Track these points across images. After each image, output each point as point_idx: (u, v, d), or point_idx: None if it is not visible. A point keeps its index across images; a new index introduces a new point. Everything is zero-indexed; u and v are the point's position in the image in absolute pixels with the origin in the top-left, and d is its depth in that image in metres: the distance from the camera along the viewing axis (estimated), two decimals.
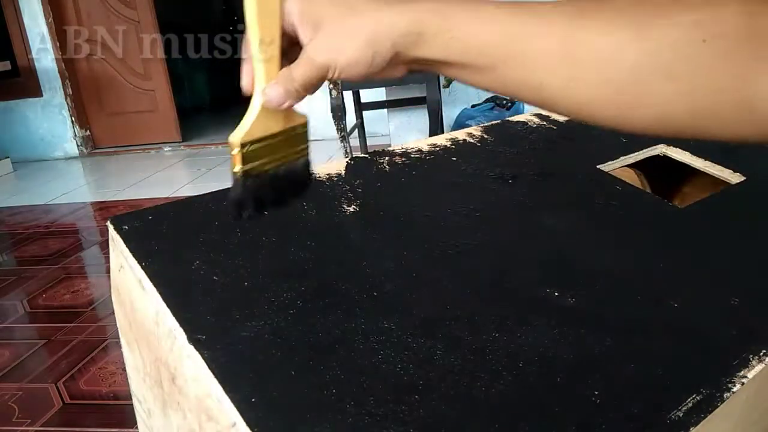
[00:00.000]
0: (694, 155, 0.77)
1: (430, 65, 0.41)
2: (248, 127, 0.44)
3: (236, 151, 0.43)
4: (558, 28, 0.36)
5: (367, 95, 3.33)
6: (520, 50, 0.37)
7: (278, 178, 0.45)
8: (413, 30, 0.38)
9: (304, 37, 0.41)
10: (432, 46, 0.39)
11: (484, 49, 0.38)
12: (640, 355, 0.41)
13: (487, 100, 3.85)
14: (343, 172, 0.68)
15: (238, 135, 0.43)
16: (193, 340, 0.41)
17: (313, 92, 0.44)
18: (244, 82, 0.44)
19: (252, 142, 0.44)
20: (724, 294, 0.48)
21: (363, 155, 0.73)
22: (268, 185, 0.45)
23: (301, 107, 0.47)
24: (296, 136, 0.48)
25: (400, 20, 0.39)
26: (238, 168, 0.43)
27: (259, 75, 0.43)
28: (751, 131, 0.34)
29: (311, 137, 0.49)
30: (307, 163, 0.48)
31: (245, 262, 0.51)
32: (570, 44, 0.36)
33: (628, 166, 0.78)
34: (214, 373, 0.38)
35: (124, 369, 1.15)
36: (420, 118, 3.17)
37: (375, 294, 0.47)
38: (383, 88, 3.11)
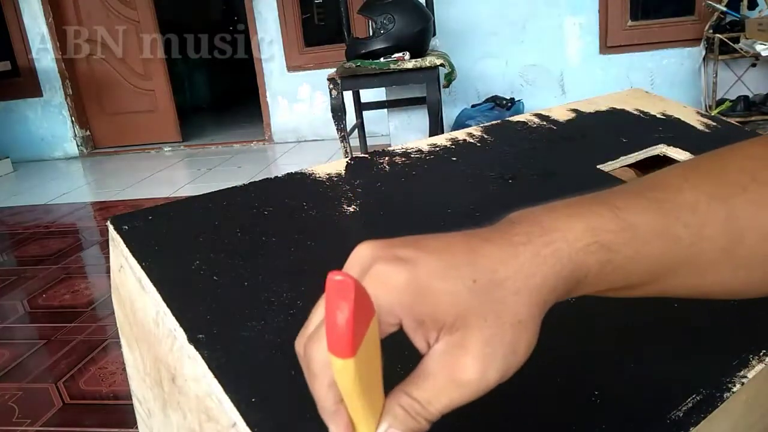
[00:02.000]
0: (694, 155, 0.77)
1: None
2: None
3: None
4: (717, 220, 0.31)
5: (367, 95, 3.34)
6: (685, 259, 0.31)
7: None
8: (572, 282, 0.30)
9: (419, 342, 0.29)
10: (591, 287, 0.31)
11: (648, 268, 0.31)
12: (640, 355, 0.41)
13: (487, 100, 3.85)
14: (343, 172, 0.68)
15: None
16: (193, 340, 0.41)
17: None
18: None
19: None
20: None
21: (363, 155, 0.73)
22: None
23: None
24: None
25: (561, 276, 0.29)
26: None
27: (363, 421, 0.29)
28: None
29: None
30: None
31: (245, 262, 0.50)
32: (733, 236, 0.31)
33: (628, 166, 0.78)
34: (214, 373, 0.38)
35: (124, 369, 1.15)
36: (420, 118, 3.17)
37: None
38: (383, 88, 3.11)
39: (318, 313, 0.29)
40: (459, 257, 0.28)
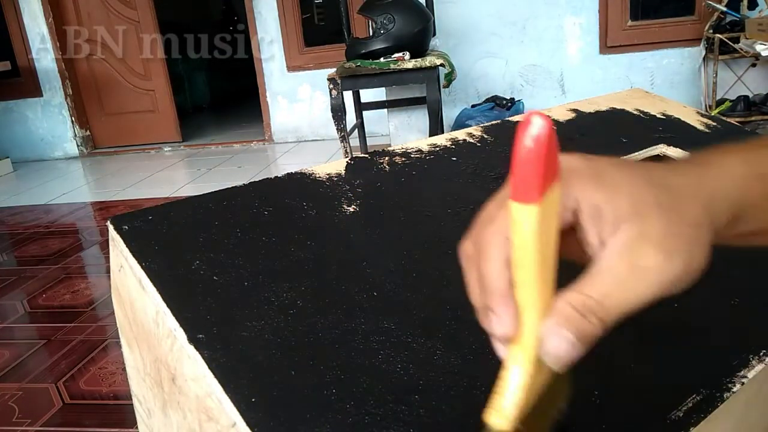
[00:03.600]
0: None
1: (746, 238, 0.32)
2: (514, 406, 0.27)
3: None
4: None
5: (367, 95, 3.34)
6: None
7: None
8: (737, 207, 0.29)
9: (594, 235, 0.26)
10: (751, 221, 0.30)
11: None
12: (640, 355, 0.41)
13: (487, 100, 3.85)
14: (343, 172, 0.68)
15: (498, 419, 0.27)
16: (193, 340, 0.41)
17: None
18: (506, 328, 0.26)
19: (521, 420, 0.27)
20: (724, 294, 0.48)
21: (363, 155, 0.73)
22: None
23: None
24: (557, 381, 0.29)
25: (729, 197, 0.29)
26: None
27: (532, 314, 0.26)
28: None
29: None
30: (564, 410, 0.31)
31: (245, 262, 0.50)
32: None
33: None
34: (214, 373, 0.38)
35: (124, 369, 1.15)
36: (420, 118, 3.18)
37: (375, 294, 0.47)
38: (383, 88, 3.11)
39: (487, 211, 0.29)
40: (636, 167, 0.28)
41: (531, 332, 0.26)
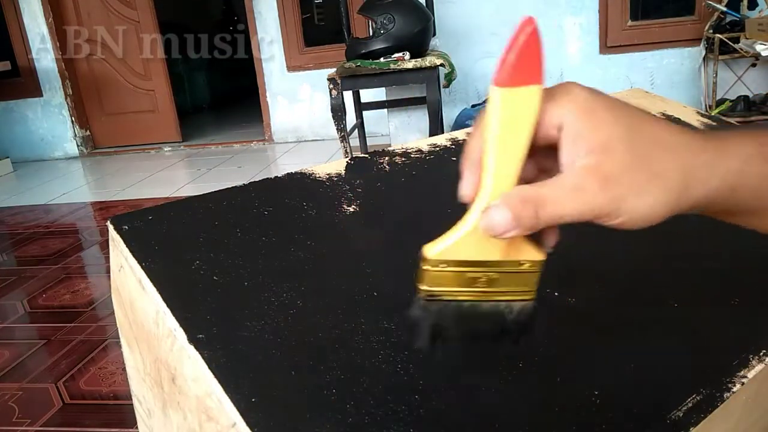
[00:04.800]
0: None
1: (709, 211, 0.33)
2: (449, 245, 0.32)
3: (425, 267, 0.33)
4: None
5: (367, 95, 3.34)
6: None
7: (477, 316, 0.34)
8: (728, 184, 0.31)
9: (567, 155, 0.30)
10: (742, 199, 0.31)
11: None
12: (640, 355, 0.41)
13: (487, 100, 3.85)
14: (343, 172, 0.68)
15: (432, 250, 0.33)
16: (193, 340, 0.41)
17: None
18: (465, 191, 0.32)
19: (449, 263, 0.33)
20: (724, 294, 0.48)
21: (363, 155, 0.73)
22: (459, 319, 0.34)
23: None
24: (518, 274, 0.34)
25: (718, 170, 0.30)
26: (422, 288, 0.34)
27: (487, 187, 0.31)
28: None
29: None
30: (528, 310, 0.35)
31: (245, 262, 0.50)
32: None
33: None
34: (214, 373, 0.38)
35: (124, 369, 1.15)
36: (420, 118, 3.18)
37: (375, 294, 0.47)
38: (383, 88, 3.11)
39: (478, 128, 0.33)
40: (635, 118, 0.31)
41: (484, 200, 0.31)
